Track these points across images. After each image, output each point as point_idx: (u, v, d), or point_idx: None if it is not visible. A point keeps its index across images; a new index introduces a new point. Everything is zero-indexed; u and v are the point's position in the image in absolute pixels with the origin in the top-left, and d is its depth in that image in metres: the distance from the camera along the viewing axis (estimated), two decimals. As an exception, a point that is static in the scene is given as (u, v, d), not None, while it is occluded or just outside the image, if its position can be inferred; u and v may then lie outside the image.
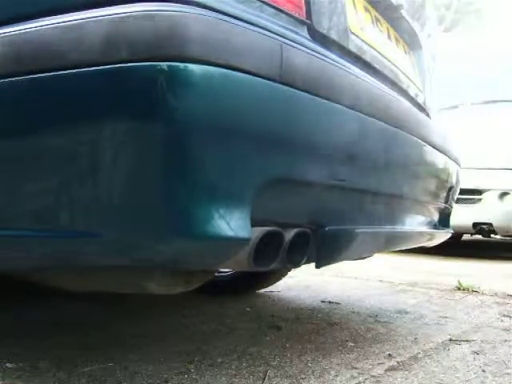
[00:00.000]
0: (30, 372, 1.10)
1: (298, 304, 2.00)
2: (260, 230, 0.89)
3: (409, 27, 1.52)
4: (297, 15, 0.99)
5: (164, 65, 0.69)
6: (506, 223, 4.08)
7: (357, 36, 1.19)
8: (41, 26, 0.78)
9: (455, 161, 1.62)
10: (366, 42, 1.23)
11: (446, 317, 1.85)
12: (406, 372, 1.19)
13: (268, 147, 0.80)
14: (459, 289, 2.48)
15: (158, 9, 0.72)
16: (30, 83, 0.78)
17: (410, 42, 1.59)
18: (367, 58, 1.23)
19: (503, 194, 4.08)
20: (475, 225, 4.12)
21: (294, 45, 0.87)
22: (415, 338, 1.52)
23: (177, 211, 0.74)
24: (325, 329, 1.59)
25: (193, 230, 0.74)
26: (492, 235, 4.65)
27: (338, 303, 2.03)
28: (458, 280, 2.53)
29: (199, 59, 0.71)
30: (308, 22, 1.01)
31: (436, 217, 1.64)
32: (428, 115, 1.63)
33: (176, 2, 0.74)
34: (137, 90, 0.71)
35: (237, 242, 0.80)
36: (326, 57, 0.97)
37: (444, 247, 2.65)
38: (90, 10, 0.75)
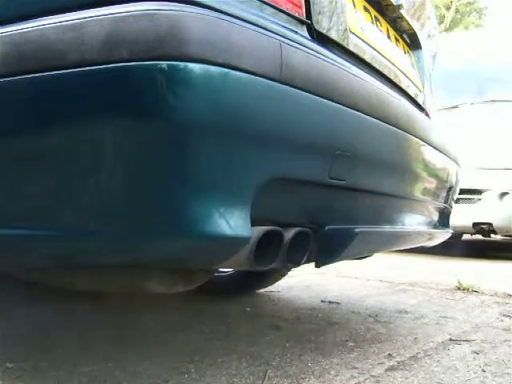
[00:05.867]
0: (30, 372, 1.10)
1: (298, 304, 2.00)
2: (260, 229, 0.89)
3: (409, 27, 1.53)
4: (296, 15, 0.99)
5: (164, 64, 0.69)
6: (506, 223, 4.08)
7: (357, 36, 1.19)
8: (41, 25, 0.78)
9: (455, 161, 1.62)
10: (365, 42, 1.23)
11: (446, 317, 1.85)
12: (406, 372, 1.19)
13: (267, 146, 0.80)
14: (459, 289, 2.48)
15: (158, 8, 0.72)
16: (30, 82, 0.78)
17: (410, 41, 1.59)
18: (367, 57, 1.23)
19: (503, 194, 4.08)
20: (475, 225, 4.12)
21: (294, 44, 0.87)
22: (415, 338, 1.52)
23: (177, 210, 0.74)
24: (325, 329, 1.59)
25: (193, 229, 0.74)
26: (492, 235, 4.65)
27: (338, 303, 2.03)
28: (457, 280, 2.53)
29: (199, 58, 0.71)
30: (308, 21, 1.01)
31: (436, 217, 1.64)
32: (427, 115, 1.63)
33: (176, 2, 0.74)
34: (136, 89, 0.71)
35: (237, 241, 0.80)
36: (325, 56, 0.97)
37: (444, 247, 2.65)
38: (91, 10, 0.75)
